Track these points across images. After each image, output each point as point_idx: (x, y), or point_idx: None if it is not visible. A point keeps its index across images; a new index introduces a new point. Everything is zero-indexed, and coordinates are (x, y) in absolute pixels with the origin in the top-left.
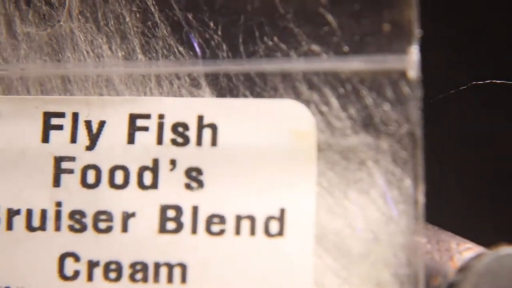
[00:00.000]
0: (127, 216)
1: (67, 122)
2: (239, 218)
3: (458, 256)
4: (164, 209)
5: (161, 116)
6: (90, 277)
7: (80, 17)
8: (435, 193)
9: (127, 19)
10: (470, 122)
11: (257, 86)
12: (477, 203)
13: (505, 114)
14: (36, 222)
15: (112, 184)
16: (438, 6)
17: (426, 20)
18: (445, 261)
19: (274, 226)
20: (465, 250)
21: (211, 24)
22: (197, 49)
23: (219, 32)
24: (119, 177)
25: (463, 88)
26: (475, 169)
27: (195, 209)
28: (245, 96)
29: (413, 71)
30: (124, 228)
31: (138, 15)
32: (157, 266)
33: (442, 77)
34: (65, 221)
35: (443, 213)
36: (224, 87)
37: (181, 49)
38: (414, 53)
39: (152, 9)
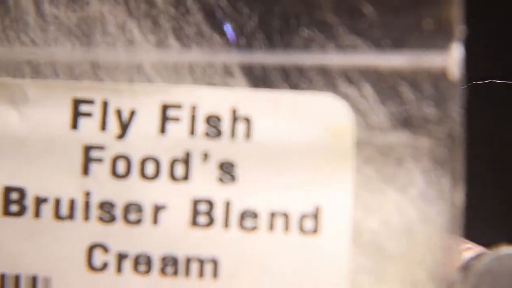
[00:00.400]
0: (157, 209)
1: (96, 109)
2: (273, 214)
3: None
4: (196, 202)
5: (193, 107)
6: (119, 269)
7: (109, 1)
8: None
9: (159, 3)
10: (470, 122)
11: (293, 78)
12: (477, 203)
13: (505, 114)
14: (64, 211)
15: (143, 175)
16: None
17: None
18: None
19: (309, 224)
20: (465, 250)
21: (247, 11)
22: (232, 37)
23: (255, 20)
24: (150, 168)
25: (463, 88)
26: (475, 169)
27: (227, 204)
28: (280, 87)
29: (455, 69)
30: (155, 221)
31: (171, 1)
32: (188, 260)
33: None
34: (94, 211)
35: None
36: (259, 77)
37: (215, 36)
38: (455, 50)
39: None
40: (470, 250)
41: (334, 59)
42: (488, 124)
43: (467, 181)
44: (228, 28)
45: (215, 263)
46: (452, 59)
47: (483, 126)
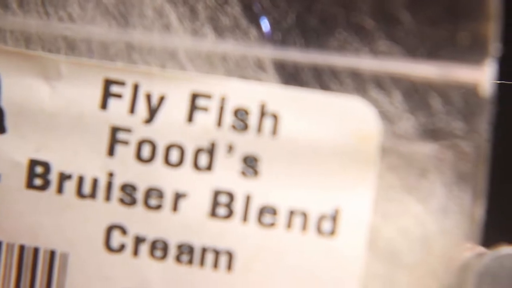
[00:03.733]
0: (178, 196)
1: (127, 91)
2: (291, 212)
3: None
4: (216, 193)
5: (223, 98)
6: (136, 252)
7: None
8: None
9: None
10: None
11: (324, 79)
12: None
13: (505, 115)
14: (86, 190)
15: (167, 162)
16: None
17: None
18: None
19: (327, 225)
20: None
21: (285, 7)
22: (267, 32)
23: (292, 17)
24: (174, 155)
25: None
26: None
27: (248, 198)
28: (311, 87)
29: (486, 85)
30: (175, 208)
31: None
32: (204, 250)
33: None
34: (116, 193)
35: None
36: (290, 74)
37: (251, 29)
38: (489, 67)
39: None
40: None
41: (367, 63)
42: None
43: None
44: (264, 22)
45: (230, 255)
46: (484, 75)
47: None
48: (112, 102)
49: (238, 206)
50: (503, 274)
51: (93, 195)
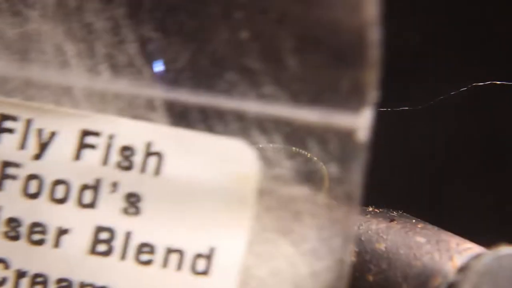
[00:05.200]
0: (61, 232)
1: (19, 127)
2: (168, 251)
3: (458, 256)
4: (98, 230)
5: (111, 137)
6: (16, 286)
7: (49, 20)
8: (435, 194)
9: (97, 29)
10: (471, 123)
11: (211, 120)
12: (477, 203)
13: (506, 115)
14: None
15: (52, 198)
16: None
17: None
18: (445, 261)
19: (201, 264)
20: (465, 250)
21: (179, 48)
22: (160, 72)
23: (185, 59)
24: (59, 192)
25: (464, 89)
26: (474, 169)
27: (127, 235)
28: (198, 127)
29: (363, 133)
30: (56, 244)
31: (108, 28)
32: (82, 286)
33: (442, 78)
34: (1, 227)
35: (444, 213)
36: (179, 115)
37: (145, 69)
38: (365, 115)
39: (122, 24)
40: (470, 250)
41: (252, 106)
42: (488, 125)
43: (467, 180)
44: (158, 62)
45: None
46: (361, 122)
47: (483, 127)
48: (4, 137)
49: (118, 243)
50: (503, 274)
51: None
